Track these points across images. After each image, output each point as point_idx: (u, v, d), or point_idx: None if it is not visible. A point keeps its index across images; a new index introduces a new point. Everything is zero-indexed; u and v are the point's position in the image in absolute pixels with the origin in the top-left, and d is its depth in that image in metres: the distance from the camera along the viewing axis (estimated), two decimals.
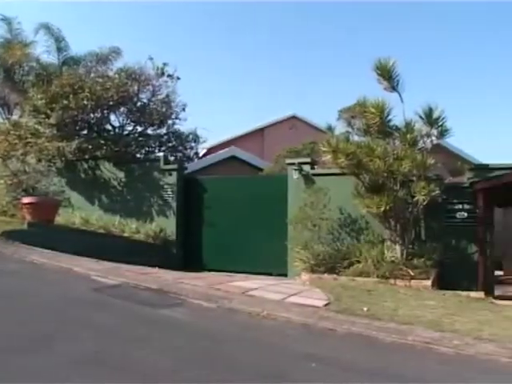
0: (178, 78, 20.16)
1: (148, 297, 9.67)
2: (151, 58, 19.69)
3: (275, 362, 6.52)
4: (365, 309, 9.31)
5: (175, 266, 14.98)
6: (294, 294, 10.62)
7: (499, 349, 7.46)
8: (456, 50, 51.84)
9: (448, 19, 47.17)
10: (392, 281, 12.45)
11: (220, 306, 9.38)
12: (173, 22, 52.26)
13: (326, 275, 13.18)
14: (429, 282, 12.35)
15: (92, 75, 19.43)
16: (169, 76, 20.01)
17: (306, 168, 15.68)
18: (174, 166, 17.81)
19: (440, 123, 13.60)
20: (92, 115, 19.07)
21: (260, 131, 30.37)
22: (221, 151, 22.84)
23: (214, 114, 53.78)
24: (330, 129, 14.80)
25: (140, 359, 5.99)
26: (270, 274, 14.89)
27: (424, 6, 42.44)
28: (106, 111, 19.23)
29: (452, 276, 13.37)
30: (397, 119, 13.89)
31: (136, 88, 19.20)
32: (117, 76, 19.14)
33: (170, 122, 20.72)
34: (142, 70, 19.59)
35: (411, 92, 14.36)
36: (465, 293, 12.24)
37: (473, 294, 12.48)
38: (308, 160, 16.08)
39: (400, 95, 13.68)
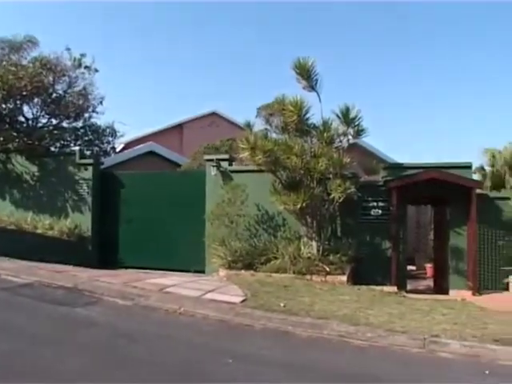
0: (96, 70, 19.55)
1: (62, 296, 9.40)
2: (68, 49, 18.94)
3: (192, 359, 6.47)
4: (281, 304, 9.39)
5: (91, 264, 14.60)
6: (211, 290, 10.59)
7: (410, 340, 7.74)
8: (379, 54, 53.33)
9: (366, 21, 48.40)
10: (308, 276, 12.64)
11: (136, 303, 9.24)
12: (92, 14, 50.86)
13: (243, 271, 13.21)
14: (344, 278, 12.62)
15: (4, 63, 18.53)
16: (86, 67, 19.35)
17: (224, 164, 15.65)
18: (90, 161, 17.34)
19: (356, 123, 13.87)
20: (4, 105, 18.22)
21: (179, 127, 30.07)
22: (139, 146, 22.44)
23: (133, 109, 53.01)
24: (249, 126, 14.80)
25: (48, 361, 5.79)
26: (188, 271, 14.79)
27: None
28: (18, 102, 18.37)
29: (367, 271, 13.71)
30: (315, 118, 14.09)
31: (51, 79, 18.44)
32: (31, 65, 18.30)
33: (86, 115, 20.09)
34: (59, 60, 18.80)
35: (330, 92, 14.62)
36: (379, 287, 12.58)
37: (386, 288, 12.85)
38: (226, 156, 16.05)
39: (318, 94, 13.86)
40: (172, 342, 7.25)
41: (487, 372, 6.71)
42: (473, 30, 51.27)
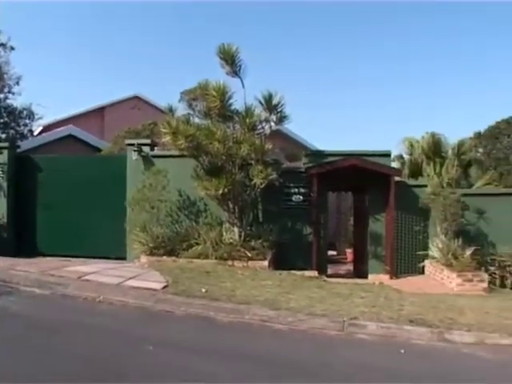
0: (12, 48, 18.75)
1: None
2: None
3: (111, 347, 6.34)
4: (203, 290, 9.35)
5: (7, 252, 14.04)
6: (131, 277, 10.42)
7: (330, 323, 7.89)
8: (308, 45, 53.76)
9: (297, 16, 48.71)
10: (230, 262, 12.63)
11: (54, 292, 8.99)
12: None
13: (165, 257, 13.06)
14: (266, 263, 12.69)
15: None
16: (1, 45, 18.51)
17: (146, 149, 15.37)
18: (5, 144, 16.59)
19: (279, 109, 13.92)
20: None
21: (100, 110, 29.28)
22: (58, 129, 21.75)
23: (54, 91, 51.35)
24: (171, 110, 14.56)
25: None
26: (109, 258, 14.47)
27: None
28: None
29: (288, 256, 13.86)
30: (238, 104, 14.04)
31: None
32: None
33: (1, 95, 19.27)
34: None
35: (254, 78, 14.60)
36: (300, 272, 12.70)
37: (307, 273, 13.01)
38: (148, 141, 15.75)
39: (242, 80, 13.81)
40: (91, 332, 7.08)
41: (403, 351, 6.96)
42: (390, 18, 52.62)
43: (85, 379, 5.24)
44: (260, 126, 13.99)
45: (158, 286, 9.62)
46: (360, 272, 15.23)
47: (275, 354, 6.52)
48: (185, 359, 6.07)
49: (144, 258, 13.24)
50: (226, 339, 7.09)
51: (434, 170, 17.60)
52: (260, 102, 13.80)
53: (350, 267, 17.03)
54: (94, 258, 14.23)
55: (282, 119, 14.13)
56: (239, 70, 13.74)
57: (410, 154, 19.61)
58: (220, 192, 13.09)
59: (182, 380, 5.39)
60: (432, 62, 60.85)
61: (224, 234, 13.58)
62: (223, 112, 13.73)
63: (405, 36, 55.38)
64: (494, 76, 60.29)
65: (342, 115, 62.08)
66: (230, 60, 13.61)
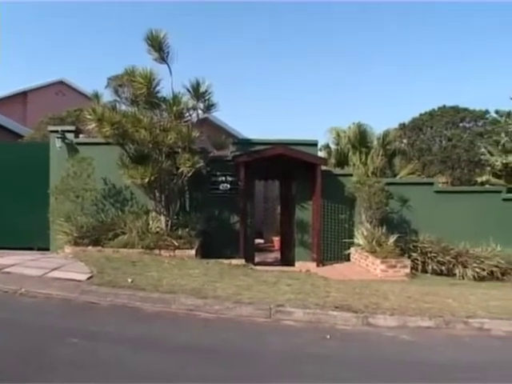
0: None
1: None
2: None
3: (34, 342, 6.15)
4: (129, 280, 9.21)
5: None
6: (55, 268, 10.11)
7: (257, 310, 7.95)
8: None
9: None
10: (157, 251, 12.50)
11: None
12: None
13: (90, 248, 12.77)
14: (193, 252, 12.64)
15: None
16: None
17: (70, 136, 14.94)
18: None
19: (207, 97, 13.85)
20: None
21: (23, 95, 28.13)
22: None
23: None
24: (97, 96, 14.16)
25: None
26: (32, 249, 14.01)
27: None
28: None
29: (215, 245, 13.86)
30: (166, 91, 13.83)
31: None
32: None
33: None
34: None
35: (182, 66, 14.45)
36: (227, 260, 12.72)
37: (234, 261, 13.03)
38: (72, 128, 15.30)
39: (169, 67, 13.60)
40: (12, 326, 6.84)
41: (328, 336, 7.12)
42: (315, 14, 53.29)
43: (6, 375, 5.06)
44: (187, 114, 13.89)
45: (82, 276, 9.39)
46: (287, 260, 15.42)
47: (203, 343, 6.51)
48: (111, 351, 5.97)
49: (68, 249, 12.90)
50: (153, 329, 7.02)
51: (360, 159, 17.99)
52: (188, 90, 13.69)
53: (278, 255, 17.20)
54: (16, 249, 13.72)
55: (209, 107, 14.08)
56: (167, 56, 13.55)
57: (337, 144, 19.95)
58: (146, 180, 12.91)
59: (108, 371, 5.30)
60: (358, 56, 62.14)
61: (151, 222, 13.42)
62: (150, 99, 13.52)
63: (329, 31, 56.26)
64: (418, 69, 62.19)
65: (271, 105, 62.51)
66: (157, 46, 13.40)
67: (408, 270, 12.78)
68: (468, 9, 53.88)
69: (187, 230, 13.22)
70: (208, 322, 7.53)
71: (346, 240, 14.91)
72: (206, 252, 13.30)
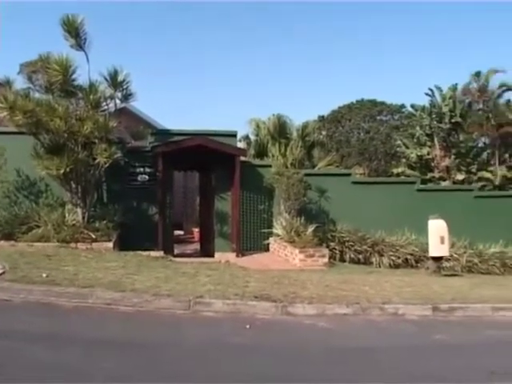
0: None
1: None
2: None
3: None
4: (44, 275, 8.88)
5: None
6: None
7: (176, 302, 7.88)
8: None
9: None
10: (73, 244, 12.13)
11: None
12: None
13: (2, 242, 12.21)
14: (110, 244, 12.37)
15: None
16: None
17: None
18: None
19: (125, 86, 13.60)
20: None
21: None
22: None
23: None
24: (8, 83, 13.57)
25: None
26: None
27: None
28: None
29: (134, 237, 13.58)
30: (82, 79, 13.40)
31: None
32: None
33: None
34: None
35: (101, 54, 14.09)
36: (146, 252, 12.53)
37: (153, 253, 12.87)
38: None
39: (86, 54, 13.20)
40: None
41: (248, 326, 7.13)
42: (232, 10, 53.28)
43: None
44: (105, 103, 13.63)
45: None
46: (207, 251, 15.37)
47: (121, 337, 6.37)
48: (24, 349, 5.75)
49: None
50: (69, 325, 6.82)
51: (279, 150, 18.16)
52: (105, 79, 13.42)
53: (197, 246, 17.12)
54: None
55: (127, 97, 13.86)
56: (84, 43, 13.19)
57: (257, 135, 20.08)
58: (62, 171, 12.55)
59: (19, 370, 5.09)
60: (280, 48, 62.72)
61: (67, 215, 13.05)
62: (66, 87, 13.14)
63: (252, 24, 56.44)
64: (337, 63, 63.50)
65: (192, 96, 62.21)
66: (74, 32, 13.01)
67: (326, 259, 13.02)
68: (388, 5, 55.39)
69: (105, 222, 12.94)
70: (126, 316, 7.40)
71: (266, 230, 15.02)
72: (124, 244, 13.04)
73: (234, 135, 15.55)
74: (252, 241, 15.12)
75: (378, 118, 43.69)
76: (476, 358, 6.44)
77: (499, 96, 28.26)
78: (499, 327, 8.22)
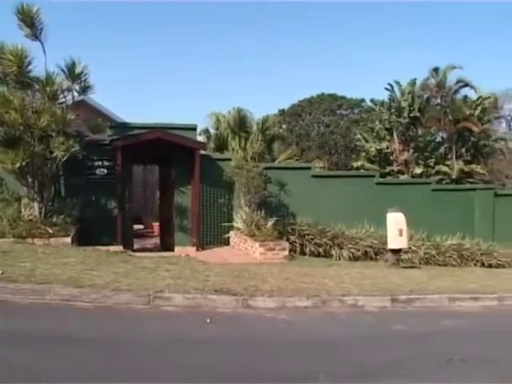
0: None
1: None
2: None
3: None
4: None
5: None
6: None
7: (135, 297, 7.80)
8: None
9: None
10: (30, 240, 11.85)
11: None
12: None
13: None
14: (69, 239, 12.15)
15: None
16: None
17: None
18: None
19: (83, 78, 13.37)
20: None
21: None
22: None
23: None
24: None
25: None
26: None
27: None
28: None
29: (93, 232, 13.37)
30: (39, 70, 13.08)
31: None
32: None
33: None
34: None
35: (59, 46, 13.82)
36: (105, 247, 12.37)
37: (112, 248, 12.71)
38: None
39: (43, 45, 12.91)
40: None
41: (208, 320, 7.12)
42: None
43: None
44: (62, 96, 13.39)
45: None
46: (167, 245, 15.27)
47: (78, 334, 6.26)
48: None
49: None
50: (25, 322, 6.67)
51: (239, 144, 18.12)
52: (62, 70, 13.18)
53: (157, 241, 16.99)
54: None
55: (85, 89, 13.65)
56: (40, 33, 12.92)
57: (217, 129, 20.00)
58: (17, 165, 12.28)
59: None
60: (241, 43, 62.59)
61: (23, 210, 12.79)
62: (21, 79, 12.83)
63: (201, 19, 56.15)
64: (299, 58, 63.73)
65: (153, 90, 61.68)
66: (29, 22, 12.73)
67: (286, 253, 13.07)
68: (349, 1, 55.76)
69: (62, 216, 12.70)
70: (85, 312, 7.28)
71: (226, 224, 14.98)
72: (82, 239, 12.83)
73: (193, 129, 15.46)
74: (212, 235, 15.07)
75: (338, 112, 44.00)
76: (433, 347, 6.60)
77: (456, 92, 28.83)
78: (455, 317, 8.43)
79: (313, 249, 14.18)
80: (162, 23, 62.90)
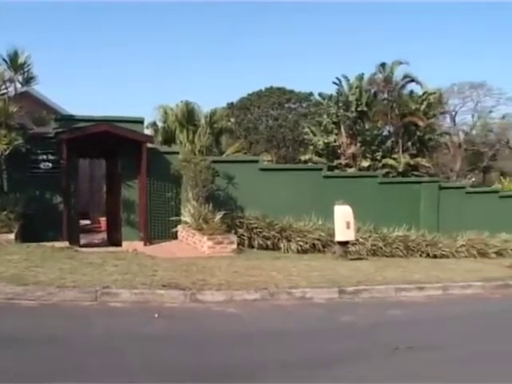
0: None
1: None
2: None
3: None
4: None
5: None
6: None
7: (82, 294, 7.71)
8: None
9: None
10: None
11: None
12: None
13: None
14: (12, 236, 11.83)
15: None
16: None
17: None
18: None
19: (26, 69, 13.08)
20: None
21: None
22: None
23: None
24: None
25: None
26: None
27: None
28: None
29: (37, 227, 13.02)
30: None
31: None
32: None
33: None
34: None
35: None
36: (50, 243, 12.05)
37: (58, 244, 12.38)
38: None
39: None
40: None
41: (156, 315, 7.10)
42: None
43: None
44: (4, 87, 13.02)
45: None
46: (115, 240, 15.04)
47: (23, 332, 6.11)
48: None
49: None
50: None
51: (187, 137, 17.97)
52: (4, 60, 12.82)
53: (105, 236, 16.73)
54: None
55: (29, 80, 13.36)
56: None
57: (164, 122, 19.80)
58: None
59: None
60: (190, 36, 62.18)
61: None
62: None
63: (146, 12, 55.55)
64: (247, 51, 63.70)
65: (101, 83, 60.74)
66: None
67: (235, 246, 13.05)
68: None
69: (5, 212, 12.35)
70: (29, 311, 7.14)
71: (174, 218, 14.84)
72: (27, 236, 12.47)
73: (141, 122, 15.25)
74: (160, 229, 14.91)
75: (287, 105, 44.25)
76: (381, 336, 6.77)
77: (403, 87, 29.38)
78: (402, 306, 8.66)
79: (261, 242, 14.20)
80: (109, 17, 61.80)
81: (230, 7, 64.11)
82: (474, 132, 41.07)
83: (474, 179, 37.89)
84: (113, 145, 14.26)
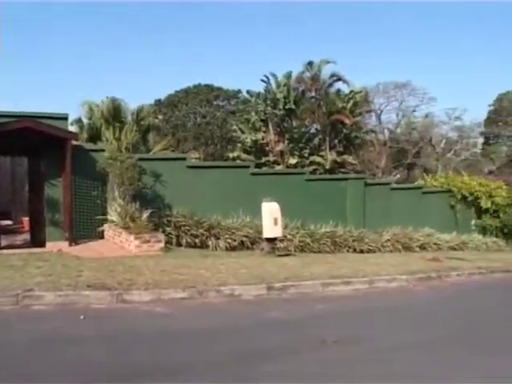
0: None
1: None
2: None
3: None
4: None
5: None
6: None
7: (2, 298, 7.47)
8: None
9: None
10: None
11: None
12: None
13: None
14: None
15: None
16: None
17: None
18: None
19: None
20: None
21: None
22: None
23: None
24: None
25: None
26: None
27: None
28: None
29: None
30: None
31: None
32: None
33: None
34: None
35: None
36: None
37: None
38: None
39: None
40: None
41: (82, 317, 6.95)
42: None
43: None
44: None
45: None
46: (38, 241, 14.57)
47: None
48: None
49: None
50: None
51: (114, 134, 17.68)
52: None
53: (28, 237, 16.17)
54: None
55: None
56: None
57: (90, 118, 19.43)
58: None
59: None
60: (115, 33, 61.16)
61: None
62: None
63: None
64: (175, 48, 63.19)
65: (26, 80, 58.93)
66: None
67: (162, 245, 12.91)
68: None
69: None
70: None
71: (100, 217, 14.54)
72: None
73: (65, 118, 14.83)
74: (86, 228, 14.55)
75: (215, 102, 44.26)
76: (309, 330, 6.89)
77: (330, 85, 29.94)
78: (329, 301, 8.85)
79: (189, 240, 14.11)
80: (34, 15, 59.99)
81: (156, 4, 63.45)
82: (398, 130, 42.40)
83: (398, 176, 39.06)
84: (35, 142, 13.80)
